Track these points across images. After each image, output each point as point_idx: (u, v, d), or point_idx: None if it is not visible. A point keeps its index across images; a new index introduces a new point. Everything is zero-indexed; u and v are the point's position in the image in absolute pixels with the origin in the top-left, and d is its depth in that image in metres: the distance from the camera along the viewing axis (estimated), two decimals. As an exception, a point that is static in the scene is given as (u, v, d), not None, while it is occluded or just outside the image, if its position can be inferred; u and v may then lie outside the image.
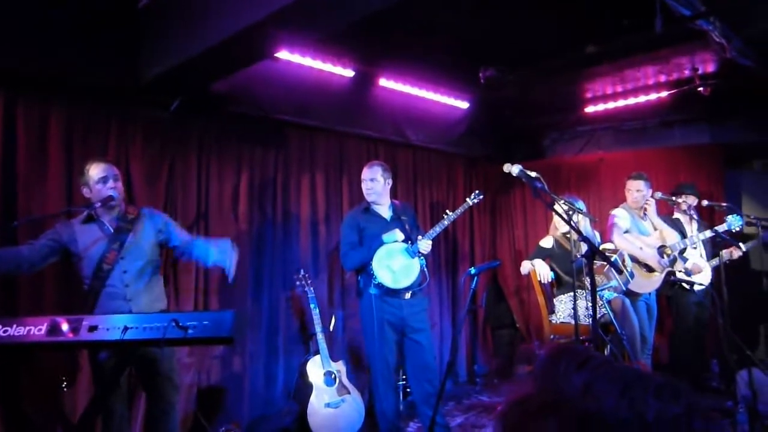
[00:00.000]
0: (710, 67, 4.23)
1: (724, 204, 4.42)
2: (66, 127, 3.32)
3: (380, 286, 3.53)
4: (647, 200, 4.38)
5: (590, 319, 2.86)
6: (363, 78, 4.33)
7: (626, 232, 4.33)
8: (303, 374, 3.89)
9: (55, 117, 3.29)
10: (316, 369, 3.84)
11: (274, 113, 4.17)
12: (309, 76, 4.05)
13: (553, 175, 5.42)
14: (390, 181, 3.77)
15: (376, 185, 3.68)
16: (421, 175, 5.51)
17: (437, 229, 3.75)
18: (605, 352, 3.71)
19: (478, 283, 5.23)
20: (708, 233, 4.32)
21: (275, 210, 4.32)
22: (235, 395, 3.98)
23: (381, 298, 3.54)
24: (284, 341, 4.26)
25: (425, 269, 3.69)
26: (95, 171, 2.88)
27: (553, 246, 4.37)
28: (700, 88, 4.31)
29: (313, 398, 3.74)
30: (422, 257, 3.66)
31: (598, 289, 3.33)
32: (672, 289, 4.52)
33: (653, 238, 4.36)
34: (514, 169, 3.01)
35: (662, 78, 4.54)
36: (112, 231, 2.92)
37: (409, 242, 3.64)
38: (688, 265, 4.35)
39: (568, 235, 3.98)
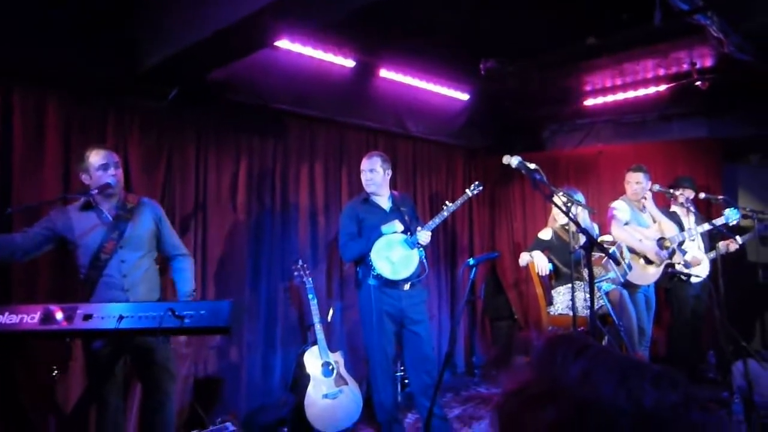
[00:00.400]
0: (708, 62, 4.25)
1: (721, 197, 4.47)
2: (63, 117, 3.29)
3: (379, 277, 3.52)
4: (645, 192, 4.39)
5: (588, 311, 2.87)
6: (363, 68, 4.31)
7: (626, 224, 4.33)
8: (300, 365, 3.88)
9: (52, 107, 3.25)
10: (313, 360, 3.83)
11: (273, 102, 4.13)
12: (309, 65, 4.03)
13: (553, 167, 5.41)
14: (389, 172, 3.75)
15: (375, 176, 3.66)
16: (421, 166, 5.50)
17: (436, 220, 3.75)
18: (603, 344, 3.72)
19: (477, 274, 5.25)
20: (706, 226, 4.34)
21: (274, 200, 4.30)
22: (233, 386, 3.97)
23: (380, 289, 3.53)
24: (282, 332, 4.26)
25: (424, 260, 3.68)
26: (96, 157, 2.84)
27: (551, 238, 4.38)
28: (698, 83, 4.31)
29: (310, 389, 3.74)
30: (421, 248, 3.65)
31: (596, 281, 3.34)
32: (671, 281, 4.54)
33: (652, 231, 4.36)
34: (514, 161, 3.02)
35: (661, 72, 4.56)
36: (111, 219, 2.88)
37: (409, 233, 3.63)
38: (687, 257, 4.36)
39: (567, 227, 3.99)
